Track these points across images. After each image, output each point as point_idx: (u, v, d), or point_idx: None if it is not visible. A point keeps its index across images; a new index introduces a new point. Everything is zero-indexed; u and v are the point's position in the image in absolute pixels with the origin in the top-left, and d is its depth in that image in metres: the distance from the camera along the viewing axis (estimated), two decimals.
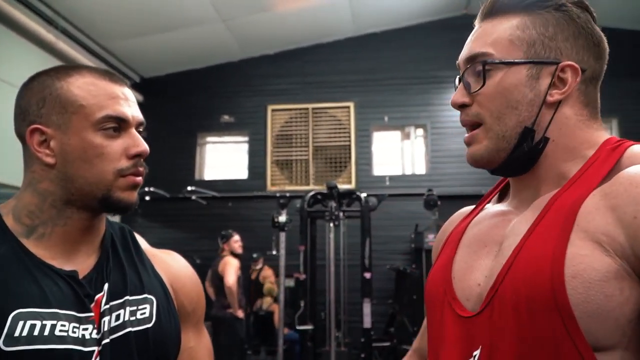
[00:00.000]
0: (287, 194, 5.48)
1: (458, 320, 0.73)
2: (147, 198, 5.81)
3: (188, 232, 7.39)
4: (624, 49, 6.84)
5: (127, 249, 0.94)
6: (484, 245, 0.78)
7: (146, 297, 0.89)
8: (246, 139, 7.90)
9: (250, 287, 6.30)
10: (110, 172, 0.83)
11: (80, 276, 0.83)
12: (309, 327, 4.78)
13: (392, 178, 7.34)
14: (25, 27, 5.55)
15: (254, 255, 6.20)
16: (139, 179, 0.87)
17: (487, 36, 0.76)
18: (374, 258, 4.95)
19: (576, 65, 0.73)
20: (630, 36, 6.95)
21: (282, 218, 5.01)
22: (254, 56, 7.86)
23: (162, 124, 7.92)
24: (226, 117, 7.79)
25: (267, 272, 6.49)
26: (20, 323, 0.72)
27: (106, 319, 0.82)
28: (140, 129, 0.89)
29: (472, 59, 0.77)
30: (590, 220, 0.63)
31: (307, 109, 7.71)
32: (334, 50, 7.74)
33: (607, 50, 0.77)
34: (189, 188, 5.87)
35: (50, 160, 0.82)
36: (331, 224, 4.99)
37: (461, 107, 0.78)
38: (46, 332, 0.74)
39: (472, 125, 0.78)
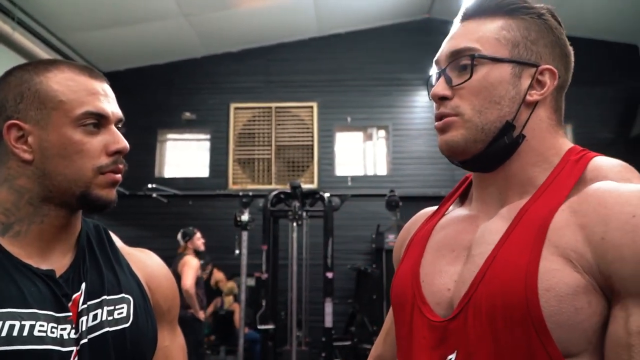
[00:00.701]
0: (250, 193, 5.47)
1: (429, 325, 0.75)
2: None
3: (148, 230, 7.25)
4: (579, 57, 7.10)
5: (103, 248, 0.92)
6: (451, 250, 0.79)
7: (123, 297, 0.88)
8: (208, 136, 7.83)
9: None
10: (90, 169, 0.82)
11: (57, 275, 0.82)
12: (270, 326, 4.79)
13: (354, 178, 7.41)
14: None
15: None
16: (118, 176, 0.86)
17: (472, 33, 0.78)
18: (335, 258, 4.99)
19: (554, 70, 0.77)
20: (585, 44, 7.23)
21: (245, 217, 4.99)
22: (217, 53, 7.80)
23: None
24: (188, 114, 7.69)
25: (218, 275, 6.45)
26: None
27: (84, 318, 0.81)
28: (119, 126, 0.87)
29: (457, 54, 0.78)
30: (561, 236, 0.66)
31: (270, 107, 7.70)
32: (298, 50, 7.75)
33: (572, 63, 0.82)
34: (149, 185, 5.77)
35: (27, 156, 0.80)
36: (294, 224, 5.00)
37: (441, 99, 0.78)
38: (25, 333, 0.73)
39: (449, 117, 0.78)
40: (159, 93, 7.81)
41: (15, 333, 0.72)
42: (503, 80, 0.75)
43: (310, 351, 5.34)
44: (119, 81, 7.83)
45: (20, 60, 6.14)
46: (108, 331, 0.83)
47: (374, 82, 7.50)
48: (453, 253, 0.79)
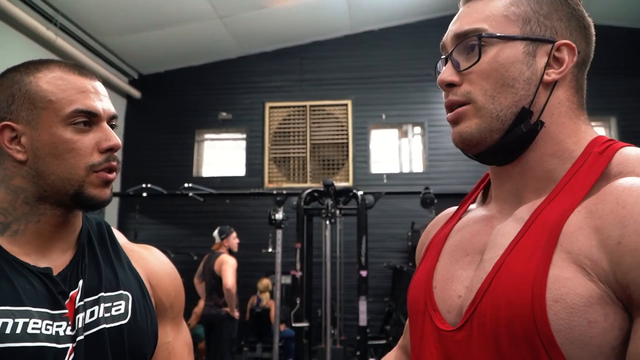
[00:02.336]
0: (284, 192, 5.49)
1: (437, 335, 0.71)
2: (145, 195, 5.81)
3: (185, 228, 7.40)
4: (623, 48, 6.86)
5: (103, 245, 0.93)
6: (465, 254, 0.74)
7: (121, 294, 0.88)
8: (244, 136, 7.91)
9: None
10: (82, 167, 0.82)
11: (55, 273, 0.83)
12: (305, 324, 4.80)
13: (389, 176, 7.35)
14: (24, 24, 5.57)
15: None
16: (112, 175, 0.86)
17: (478, 13, 0.72)
18: (370, 256, 4.96)
19: (573, 45, 0.70)
20: (628, 34, 6.96)
21: (279, 215, 5.01)
22: (251, 53, 7.87)
23: (160, 120, 7.94)
24: (224, 114, 7.80)
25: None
26: None
27: (80, 315, 0.81)
28: (113, 123, 0.88)
29: (463, 35, 0.72)
30: (574, 241, 0.59)
31: (304, 106, 7.71)
32: (332, 47, 7.74)
33: (594, 36, 0.74)
34: (186, 185, 5.88)
35: (21, 156, 0.81)
36: (327, 222, 5.00)
37: (449, 86, 0.73)
38: (18, 330, 0.73)
39: (460, 105, 0.72)
40: (196, 94, 7.94)
41: (7, 331, 0.72)
42: (516, 60, 0.69)
43: (345, 349, 5.33)
44: (157, 83, 8.08)
45: None
46: (105, 328, 0.83)
47: (409, 78, 7.42)
48: (467, 257, 0.74)
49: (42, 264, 0.82)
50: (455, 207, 0.89)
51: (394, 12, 7.24)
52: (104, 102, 0.86)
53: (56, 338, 0.77)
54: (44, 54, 6.02)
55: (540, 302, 0.57)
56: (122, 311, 0.86)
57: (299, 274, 4.88)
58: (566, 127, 0.70)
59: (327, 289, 4.96)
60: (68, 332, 0.79)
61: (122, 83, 7.68)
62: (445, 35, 0.76)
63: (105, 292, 0.86)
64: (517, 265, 0.62)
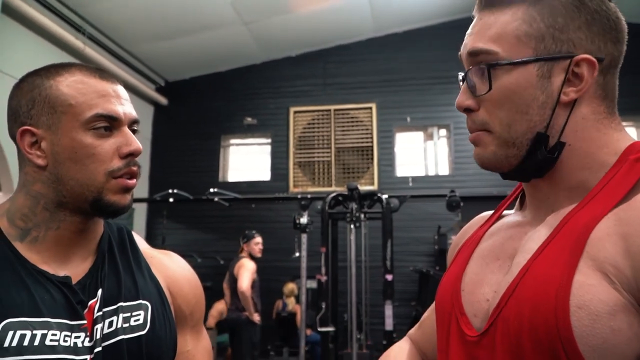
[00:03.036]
0: (309, 196, 5.50)
1: (463, 340, 0.69)
2: (171, 200, 5.89)
3: (211, 233, 7.47)
4: None
5: (124, 252, 0.91)
6: (496, 259, 0.73)
7: (140, 303, 0.86)
8: (269, 140, 7.95)
9: None
10: (102, 173, 0.80)
11: (74, 281, 0.81)
12: (331, 328, 4.78)
13: (415, 179, 7.29)
14: (54, 34, 5.70)
15: None
16: (133, 181, 0.83)
17: (489, 29, 0.69)
18: (396, 260, 4.92)
19: (592, 58, 0.65)
20: None
21: (304, 219, 5.01)
22: (275, 58, 7.92)
23: (187, 126, 8.04)
24: (249, 119, 7.85)
25: None
26: (10, 333, 0.71)
27: (99, 326, 0.79)
28: (135, 127, 0.86)
29: (475, 55, 0.69)
30: (601, 248, 0.58)
31: (329, 110, 7.72)
32: (355, 51, 7.73)
33: (626, 29, 0.69)
34: (211, 190, 5.93)
35: (41, 162, 0.80)
36: (352, 226, 4.98)
37: (466, 110, 0.72)
38: (36, 342, 0.72)
39: (478, 130, 0.72)
40: (221, 100, 8.02)
41: (25, 343, 0.71)
42: (528, 85, 0.66)
43: (372, 354, 5.29)
44: (183, 90, 8.18)
45: None
46: (123, 339, 0.81)
47: (433, 81, 7.36)
48: (497, 262, 0.72)
49: (61, 272, 0.81)
50: (491, 212, 0.88)
51: (417, 14, 7.20)
52: (125, 106, 0.84)
53: (74, 350, 0.76)
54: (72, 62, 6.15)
55: (563, 307, 0.56)
56: (140, 321, 0.85)
57: (323, 278, 4.87)
58: (595, 140, 0.66)
59: (352, 293, 4.94)
60: (86, 344, 0.77)
61: (149, 90, 7.81)
62: (463, 46, 0.73)
63: (124, 302, 0.84)
64: (543, 270, 0.61)
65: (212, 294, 6.14)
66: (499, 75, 0.67)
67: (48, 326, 0.74)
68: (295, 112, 7.83)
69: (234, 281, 5.02)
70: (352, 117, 7.68)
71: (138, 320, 0.84)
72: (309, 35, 7.46)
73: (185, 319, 0.96)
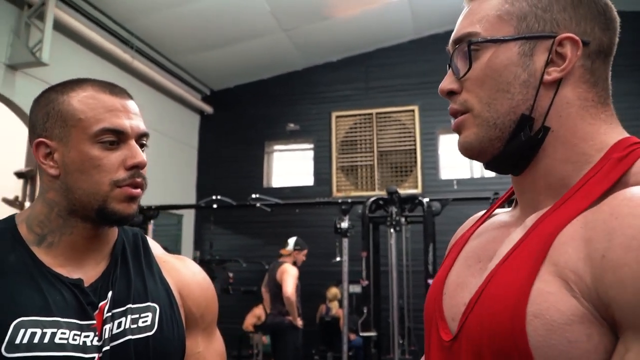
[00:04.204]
0: (350, 200, 5.49)
1: (441, 345, 0.68)
2: (215, 206, 6.02)
3: (256, 238, 7.58)
4: None
5: (136, 256, 0.96)
6: (478, 261, 0.71)
7: (149, 305, 0.90)
8: (312, 146, 8.01)
9: None
10: (106, 183, 0.84)
11: (87, 284, 0.85)
12: (373, 333, 4.76)
13: (459, 182, 7.17)
14: (103, 48, 5.96)
15: None
16: (137, 190, 0.87)
17: (474, 14, 0.69)
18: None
19: (576, 38, 0.63)
20: None
21: (344, 224, 5.01)
22: (316, 64, 7.98)
23: (231, 134, 8.21)
24: (292, 125, 7.94)
25: None
26: (22, 331, 0.75)
27: (108, 326, 0.83)
28: (143, 141, 0.90)
29: (459, 40, 0.69)
30: (563, 253, 0.55)
31: (371, 114, 7.70)
32: (396, 53, 7.69)
33: (617, 19, 0.67)
34: (253, 195, 6.03)
35: (54, 171, 0.85)
36: (392, 230, 4.94)
37: (450, 94, 0.70)
38: (46, 340, 0.76)
39: (461, 114, 0.69)
40: (265, 106, 8.14)
41: (36, 340, 0.75)
42: (509, 63, 0.64)
43: None
44: (228, 98, 8.35)
45: (140, 85, 6.73)
46: (131, 339, 0.85)
47: None
48: (479, 264, 0.70)
49: (75, 275, 0.86)
50: (483, 212, 0.85)
51: (457, 14, 6.99)
52: (133, 120, 0.88)
53: (83, 348, 0.80)
54: (121, 75, 6.41)
55: (520, 316, 0.53)
56: (148, 323, 0.88)
57: (364, 282, 4.85)
58: (579, 130, 0.63)
59: (394, 298, 4.90)
60: (95, 343, 0.81)
61: (195, 100, 8.02)
62: (451, 37, 0.73)
63: (133, 304, 0.88)
64: (506, 276, 0.59)
65: (256, 298, 6.22)
66: (480, 54, 0.66)
67: (58, 325, 0.79)
68: (337, 116, 7.85)
69: (275, 285, 5.07)
70: (395, 120, 7.63)
71: (146, 321, 0.88)
72: (349, 39, 7.47)
73: (196, 321, 0.99)
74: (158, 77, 6.98)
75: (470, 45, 0.66)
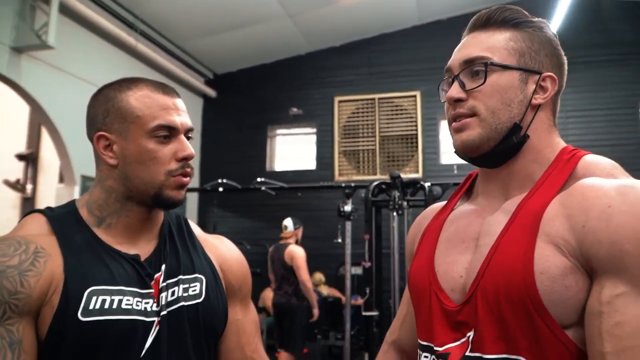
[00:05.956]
0: (353, 184, 5.59)
1: (444, 311, 0.84)
2: (220, 189, 6.12)
3: (260, 221, 7.70)
4: None
5: (181, 236, 1.08)
6: (462, 241, 0.89)
7: (196, 277, 1.02)
8: (314, 130, 8.09)
9: None
10: (162, 173, 0.95)
11: (142, 259, 0.97)
12: (375, 313, 4.89)
13: (460, 167, 7.26)
14: (108, 31, 6.00)
15: None
16: (187, 179, 0.99)
17: (483, 43, 0.87)
18: None
19: (554, 76, 0.87)
20: None
21: (348, 207, 5.11)
22: (320, 49, 8.02)
23: (235, 118, 8.27)
24: (295, 110, 8.01)
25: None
26: (94, 298, 0.87)
27: (164, 294, 0.96)
28: (190, 135, 1.01)
29: (470, 61, 0.86)
30: (552, 226, 0.75)
31: (373, 99, 7.77)
32: (399, 39, 7.73)
33: (566, 71, 0.91)
34: (258, 179, 6.12)
35: (113, 162, 0.96)
36: (395, 213, 5.05)
37: (456, 101, 0.87)
38: (114, 306, 0.88)
39: (465, 117, 0.87)
40: (268, 91, 8.20)
41: (106, 306, 0.88)
42: (512, 85, 0.84)
43: None
44: (231, 82, 8.41)
45: (143, 68, 6.79)
46: (183, 305, 0.98)
47: None
48: (463, 244, 0.88)
49: (132, 251, 0.97)
50: (441, 204, 1.05)
51: (461, 1, 7.13)
52: (182, 117, 0.99)
53: (145, 313, 0.92)
54: (125, 58, 6.47)
55: (529, 274, 0.73)
56: (197, 291, 1.01)
57: (367, 264, 4.97)
58: (544, 140, 0.86)
59: (395, 280, 5.02)
60: (154, 308, 0.94)
61: (198, 83, 8.08)
62: (451, 60, 0.90)
63: (183, 275, 1.01)
64: (510, 247, 0.77)
65: (261, 280, 6.35)
66: (491, 74, 0.85)
67: (123, 293, 0.91)
68: (340, 101, 7.92)
69: (283, 267, 5.18)
70: (397, 106, 7.71)
71: (195, 290, 1.01)
72: (353, 25, 7.51)
73: (235, 292, 1.12)
74: (162, 61, 7.02)
75: (487, 65, 0.84)
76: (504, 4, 0.93)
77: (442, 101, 0.93)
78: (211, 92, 8.38)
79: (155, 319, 0.93)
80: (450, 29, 7.43)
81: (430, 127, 7.50)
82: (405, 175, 7.02)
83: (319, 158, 7.92)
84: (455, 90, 0.87)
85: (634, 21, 6.99)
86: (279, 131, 8.40)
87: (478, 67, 0.85)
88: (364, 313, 4.95)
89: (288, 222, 5.45)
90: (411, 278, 0.96)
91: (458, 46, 0.92)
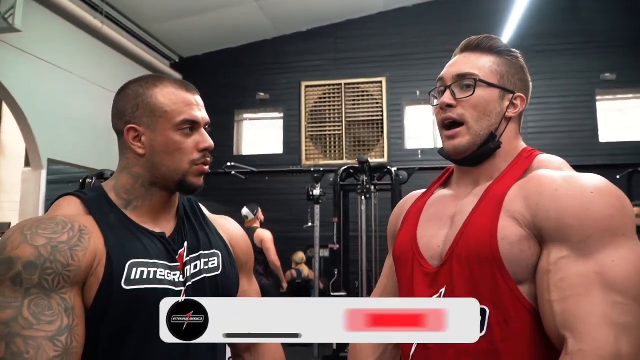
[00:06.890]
0: (321, 169, 5.72)
1: (426, 272, 1.04)
2: None
3: (229, 205, 7.71)
4: None
5: (196, 216, 1.20)
6: (440, 219, 1.09)
7: (214, 252, 1.15)
8: (281, 115, 8.16)
9: None
10: (186, 162, 1.06)
11: (167, 236, 1.09)
12: (343, 293, 5.07)
13: (424, 151, 7.49)
14: (72, 13, 5.90)
15: None
16: (206, 167, 1.10)
17: (473, 62, 1.07)
18: None
19: (524, 97, 1.08)
20: None
21: (317, 191, 5.25)
22: (287, 34, 8.07)
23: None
24: (262, 94, 8.05)
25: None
26: (134, 269, 0.98)
27: (188, 267, 1.08)
28: (207, 127, 1.12)
29: (462, 76, 1.05)
30: (512, 205, 0.96)
31: (339, 84, 7.89)
32: (365, 25, 7.86)
33: (530, 94, 1.11)
34: (228, 164, 6.18)
35: (141, 151, 1.06)
36: (363, 197, 5.20)
37: (447, 106, 1.06)
38: (151, 276, 1.00)
39: (453, 121, 1.06)
40: (235, 75, 8.21)
41: (145, 276, 1.00)
42: (493, 99, 1.05)
43: None
44: (198, 66, 8.37)
45: (109, 51, 6.71)
46: (205, 277, 1.11)
47: (443, 54, 7.24)
48: (441, 221, 1.08)
49: (156, 229, 1.09)
50: (421, 190, 1.25)
51: None
52: (202, 112, 1.11)
53: (174, 283, 1.04)
54: (90, 41, 6.38)
55: (494, 240, 0.94)
56: (215, 265, 1.14)
57: (336, 246, 5.13)
58: (512, 144, 1.07)
59: (363, 261, 5.20)
60: (181, 279, 1.06)
61: (163, 67, 8.01)
62: (445, 72, 1.10)
63: (203, 251, 1.13)
64: (479, 221, 0.98)
65: None
66: (477, 89, 1.05)
67: (156, 265, 1.03)
68: (307, 86, 8.01)
69: (256, 251, 5.31)
70: (363, 91, 7.85)
71: (214, 264, 1.14)
72: (319, 10, 7.58)
73: (242, 266, 1.26)
74: (127, 43, 6.94)
75: (477, 81, 1.05)
76: None
77: (432, 105, 1.12)
78: (177, 76, 8.31)
79: (182, 288, 1.05)
80: (415, 16, 7.60)
81: (396, 112, 7.68)
82: (372, 160, 7.18)
83: (286, 143, 8.01)
84: (447, 97, 1.06)
85: (590, 11, 7.30)
86: (246, 115, 8.44)
87: (468, 81, 1.04)
88: (332, 294, 5.12)
89: (245, 211, 5.57)
90: (396, 250, 1.14)
91: (450, 62, 1.11)
